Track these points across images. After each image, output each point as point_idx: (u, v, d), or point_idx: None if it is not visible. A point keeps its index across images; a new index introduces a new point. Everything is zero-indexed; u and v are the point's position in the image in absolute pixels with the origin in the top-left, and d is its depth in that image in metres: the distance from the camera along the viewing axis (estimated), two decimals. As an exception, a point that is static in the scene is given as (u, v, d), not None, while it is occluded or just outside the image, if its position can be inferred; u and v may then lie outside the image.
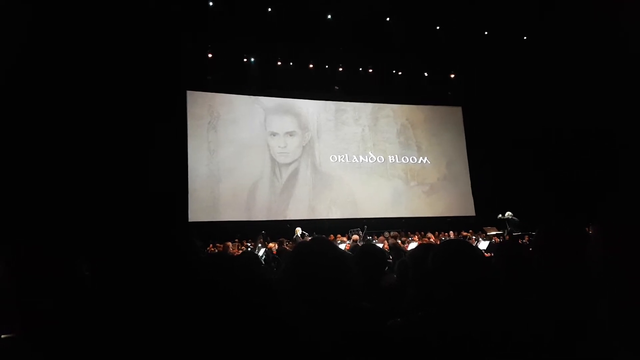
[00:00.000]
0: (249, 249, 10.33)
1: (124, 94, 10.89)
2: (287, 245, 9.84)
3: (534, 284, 1.81)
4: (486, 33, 13.86)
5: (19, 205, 8.83)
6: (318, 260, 1.34)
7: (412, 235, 12.15)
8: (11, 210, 8.56)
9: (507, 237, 10.58)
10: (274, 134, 13.73)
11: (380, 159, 14.67)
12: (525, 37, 13.94)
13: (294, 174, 13.66)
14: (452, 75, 15.26)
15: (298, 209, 13.36)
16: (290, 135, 13.82)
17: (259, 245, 10.40)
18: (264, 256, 9.17)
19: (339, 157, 14.25)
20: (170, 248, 1.39)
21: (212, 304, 1.14)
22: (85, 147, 10.25)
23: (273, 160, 13.58)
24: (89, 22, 10.12)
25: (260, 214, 13.01)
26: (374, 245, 3.41)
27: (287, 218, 12.88)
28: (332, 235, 11.44)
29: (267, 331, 1.09)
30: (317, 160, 13.96)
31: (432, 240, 11.13)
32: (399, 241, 9.59)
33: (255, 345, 1.08)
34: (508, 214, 10.95)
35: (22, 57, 9.43)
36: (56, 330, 1.46)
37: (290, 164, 13.64)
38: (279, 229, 11.86)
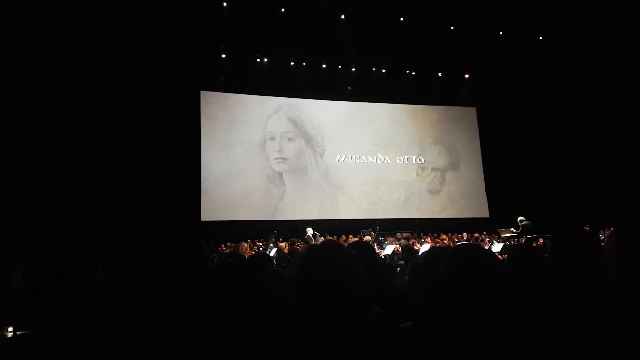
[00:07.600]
0: (261, 248, 10.38)
1: (139, 94, 11.01)
2: (298, 245, 9.90)
3: (548, 291, 1.78)
4: (501, 33, 13.71)
5: (32, 208, 9.00)
6: (328, 264, 1.33)
7: (424, 236, 12.07)
8: (25, 213, 8.72)
9: (522, 240, 10.44)
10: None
11: (393, 159, 14.59)
12: (540, 37, 13.75)
13: (306, 175, 13.66)
14: (467, 76, 15.12)
15: (310, 210, 13.35)
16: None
17: (271, 245, 10.45)
18: (276, 256, 9.22)
19: (353, 157, 14.21)
20: (178, 254, 1.40)
21: (216, 309, 1.14)
22: (99, 147, 10.39)
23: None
24: (105, 24, 10.26)
25: (271, 214, 13.04)
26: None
27: (299, 218, 12.89)
28: (343, 236, 11.43)
29: (274, 337, 1.09)
30: (330, 161, 13.94)
31: (445, 242, 11.04)
32: (412, 242, 9.54)
33: (263, 352, 1.07)
34: (520, 219, 10.82)
35: (39, 58, 9.61)
36: (66, 329, 1.48)
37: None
38: (291, 229, 11.90)
